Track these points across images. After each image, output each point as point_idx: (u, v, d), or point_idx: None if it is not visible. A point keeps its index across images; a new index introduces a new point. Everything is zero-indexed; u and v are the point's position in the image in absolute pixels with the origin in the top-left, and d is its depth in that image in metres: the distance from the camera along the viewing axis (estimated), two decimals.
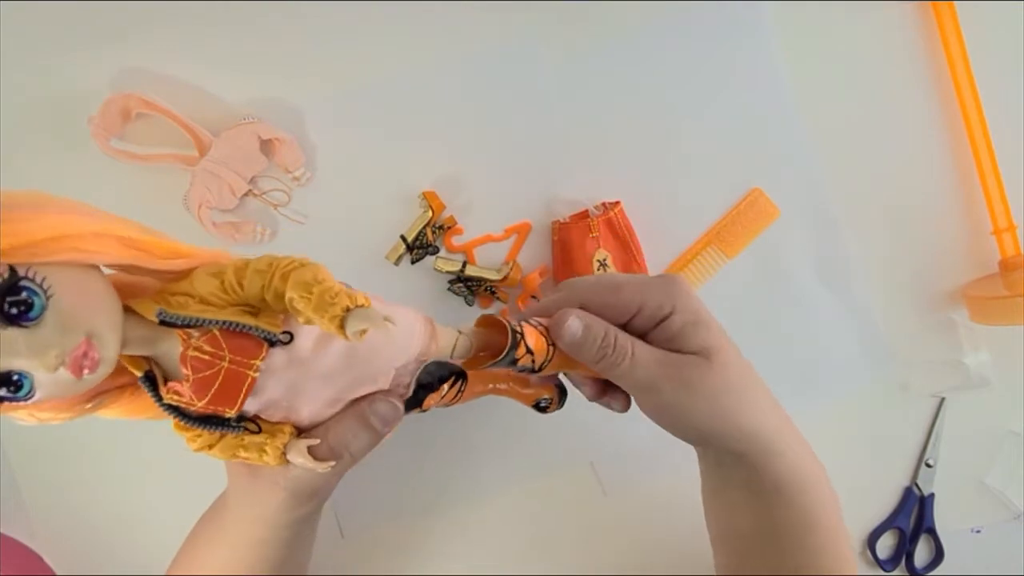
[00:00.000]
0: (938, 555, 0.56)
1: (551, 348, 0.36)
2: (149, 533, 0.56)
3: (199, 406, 0.29)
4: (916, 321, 0.54)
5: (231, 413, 0.30)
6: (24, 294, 0.23)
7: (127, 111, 0.50)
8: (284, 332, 0.30)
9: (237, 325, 0.29)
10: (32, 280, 0.24)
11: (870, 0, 0.52)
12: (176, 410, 0.30)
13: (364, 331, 0.28)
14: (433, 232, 0.52)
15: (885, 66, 0.53)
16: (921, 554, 0.57)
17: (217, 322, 0.28)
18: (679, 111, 0.53)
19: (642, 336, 0.37)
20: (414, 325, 0.34)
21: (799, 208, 0.53)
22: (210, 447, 0.32)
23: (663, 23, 0.52)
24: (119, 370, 0.29)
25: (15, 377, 0.24)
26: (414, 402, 0.37)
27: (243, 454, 0.32)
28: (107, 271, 0.28)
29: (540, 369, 0.36)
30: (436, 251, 0.53)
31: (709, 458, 0.41)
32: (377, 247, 0.53)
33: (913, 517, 0.56)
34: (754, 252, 0.53)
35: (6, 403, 0.25)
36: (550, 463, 0.54)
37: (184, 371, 0.29)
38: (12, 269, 0.23)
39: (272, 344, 0.30)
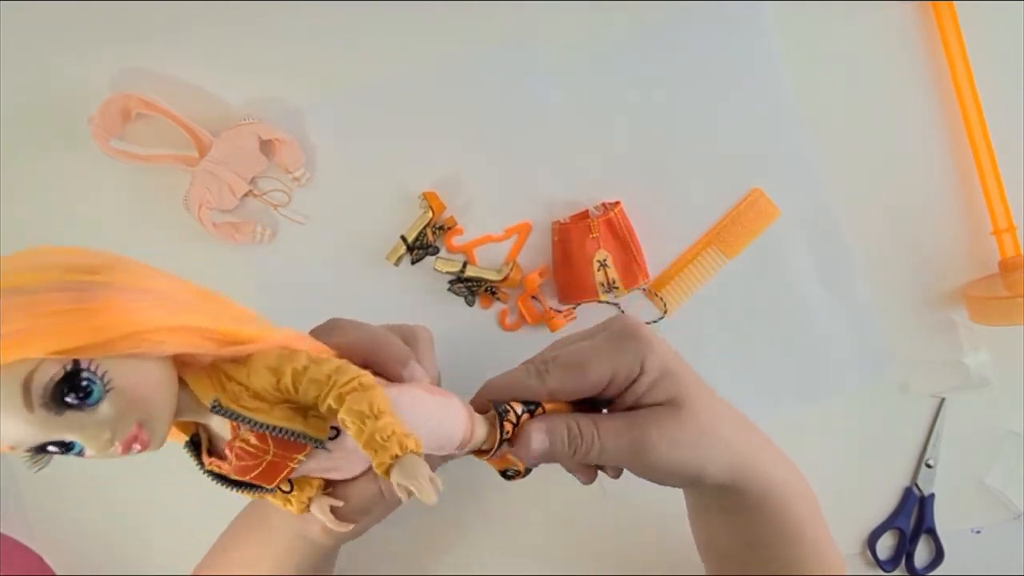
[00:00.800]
0: (938, 555, 0.56)
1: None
2: (149, 533, 0.56)
3: (238, 481, 0.31)
4: (916, 321, 0.54)
5: (268, 488, 0.31)
6: (84, 384, 0.24)
7: (127, 111, 0.50)
8: (331, 436, 0.31)
9: (286, 432, 0.29)
10: (93, 373, 0.24)
11: (870, 0, 0.52)
12: (214, 475, 0.31)
13: (410, 487, 0.28)
14: (433, 232, 0.52)
15: (885, 66, 0.53)
16: (921, 554, 0.57)
17: (268, 427, 0.29)
18: (679, 111, 0.53)
19: (612, 398, 0.37)
20: (460, 416, 0.34)
21: (799, 208, 0.53)
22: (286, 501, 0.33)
23: (663, 23, 0.52)
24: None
25: (68, 441, 0.25)
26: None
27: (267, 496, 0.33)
28: None
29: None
30: (436, 251, 0.53)
31: (690, 489, 0.41)
32: (377, 247, 0.53)
33: (913, 517, 0.56)
34: (754, 252, 0.53)
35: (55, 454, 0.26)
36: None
37: (229, 454, 0.30)
38: (76, 363, 0.24)
39: (317, 446, 0.30)
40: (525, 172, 0.53)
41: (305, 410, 0.30)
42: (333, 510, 0.33)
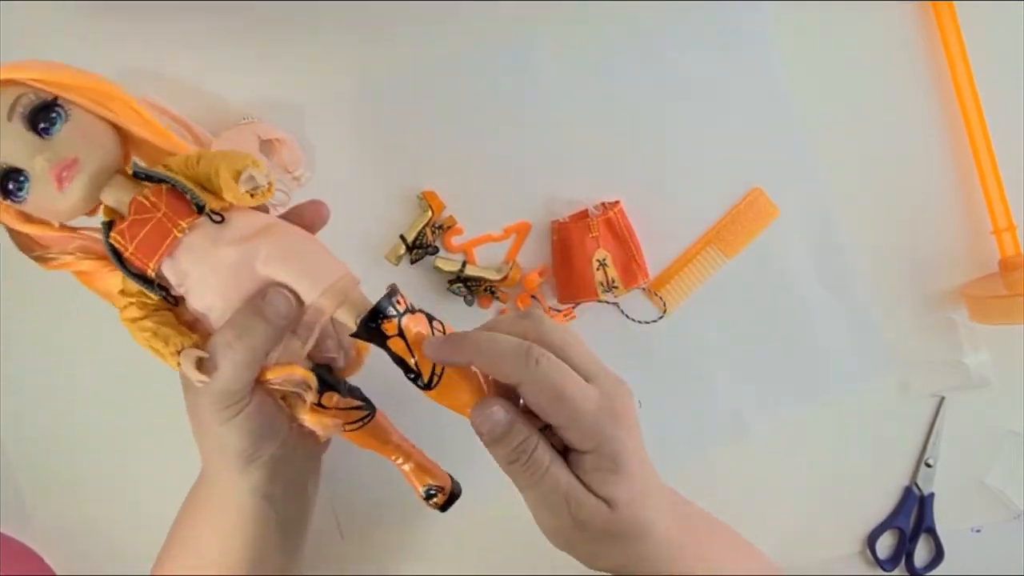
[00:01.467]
0: (938, 555, 0.56)
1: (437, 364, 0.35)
2: (149, 533, 0.56)
3: (130, 250, 0.34)
4: (916, 321, 0.54)
5: (151, 269, 0.34)
6: (52, 114, 0.32)
7: None
8: (215, 212, 0.35)
9: (179, 183, 0.34)
10: (60, 107, 0.33)
11: (870, 0, 0.52)
12: (115, 253, 0.35)
13: (255, 192, 0.34)
14: (433, 232, 0.52)
15: (885, 66, 0.53)
16: (921, 554, 0.57)
17: (168, 179, 0.34)
18: (679, 111, 0.53)
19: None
20: (334, 268, 0.36)
21: (799, 208, 0.53)
22: (133, 320, 0.36)
23: (663, 23, 0.52)
24: (94, 239, 0.37)
25: (21, 178, 0.32)
26: (322, 386, 0.39)
27: (153, 341, 0.36)
28: None
29: (428, 384, 0.35)
30: (436, 251, 0.53)
31: None
32: (377, 247, 0.53)
33: (913, 517, 0.56)
34: (754, 252, 0.53)
35: (11, 199, 0.33)
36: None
37: (128, 213, 0.34)
38: (55, 97, 0.32)
39: (201, 212, 0.34)
40: (525, 171, 0.53)
41: (205, 191, 0.35)
42: (200, 364, 0.35)
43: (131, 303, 0.36)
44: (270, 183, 0.34)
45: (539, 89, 0.52)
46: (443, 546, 0.56)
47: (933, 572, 0.56)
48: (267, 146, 0.51)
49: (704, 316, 0.54)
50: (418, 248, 0.52)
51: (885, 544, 0.57)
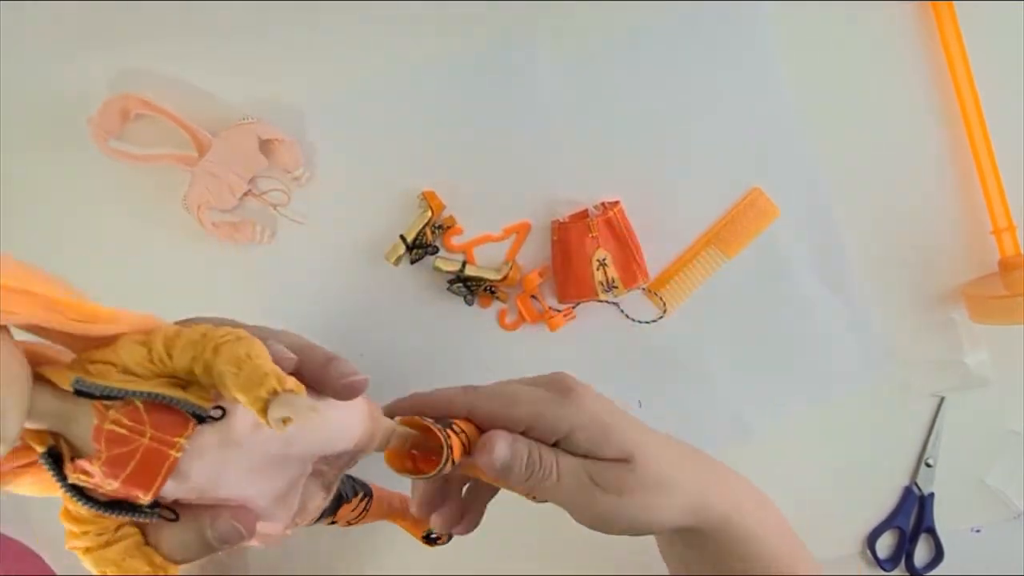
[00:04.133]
0: (938, 555, 0.56)
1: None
2: None
3: (110, 489, 0.26)
4: (916, 321, 0.54)
5: (145, 500, 0.26)
6: None
7: (126, 112, 0.50)
8: (216, 407, 0.27)
9: (162, 397, 0.26)
10: None
11: (870, 0, 0.52)
12: (80, 492, 0.26)
13: (287, 420, 0.25)
14: (432, 232, 0.52)
15: (885, 66, 0.53)
16: (921, 554, 0.57)
17: (140, 393, 0.25)
18: (679, 111, 0.53)
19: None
20: (355, 419, 0.31)
21: (799, 208, 0.53)
22: (87, 551, 0.28)
23: (662, 23, 0.52)
24: (20, 450, 0.27)
25: None
26: (330, 511, 0.37)
27: (128, 563, 0.28)
28: (17, 336, 0.25)
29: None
30: (435, 251, 0.53)
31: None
32: (376, 247, 0.53)
33: (913, 517, 0.56)
34: (754, 252, 0.53)
35: None
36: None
37: (97, 447, 0.25)
38: None
39: (201, 421, 0.27)
40: (524, 171, 0.53)
41: (186, 386, 0.27)
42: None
43: (85, 531, 0.28)
44: (313, 406, 0.26)
45: (539, 89, 0.52)
46: (443, 546, 0.56)
47: (933, 572, 0.56)
48: (267, 146, 0.51)
49: (704, 316, 0.54)
50: (418, 248, 0.52)
51: (885, 544, 0.57)
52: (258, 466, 0.28)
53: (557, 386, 0.37)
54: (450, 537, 0.43)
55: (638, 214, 0.52)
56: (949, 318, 0.54)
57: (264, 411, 0.25)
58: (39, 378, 0.25)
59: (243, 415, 0.27)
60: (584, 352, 0.54)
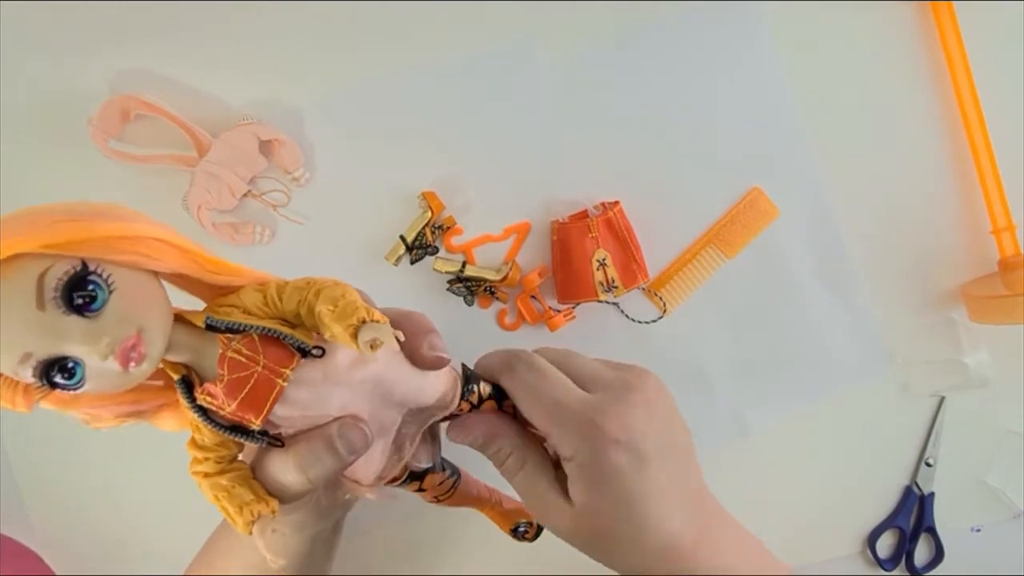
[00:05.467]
0: (938, 554, 0.56)
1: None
2: (149, 533, 0.56)
3: (229, 410, 0.30)
4: (915, 321, 0.54)
5: (256, 423, 0.31)
6: (90, 287, 0.26)
7: (126, 112, 0.50)
8: (316, 347, 0.31)
9: (274, 332, 0.31)
10: (99, 275, 0.26)
11: (870, 0, 0.52)
12: (205, 413, 0.31)
13: (375, 343, 0.29)
14: (432, 232, 0.52)
15: (885, 66, 0.53)
16: (921, 553, 0.57)
17: (257, 328, 0.31)
18: (678, 111, 0.53)
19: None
20: (441, 376, 0.35)
21: (799, 208, 0.53)
22: (206, 476, 0.33)
23: (662, 23, 0.52)
24: (157, 390, 0.32)
25: (70, 364, 0.27)
26: (419, 476, 0.39)
27: (226, 501, 0.33)
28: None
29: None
30: (435, 251, 0.53)
31: None
32: (376, 248, 0.53)
33: (913, 516, 0.56)
34: (753, 252, 0.53)
35: (59, 391, 0.27)
36: None
37: (220, 372, 0.30)
38: (84, 263, 0.26)
39: (304, 355, 0.31)
40: (524, 172, 0.53)
41: (293, 326, 0.32)
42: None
43: (207, 457, 0.33)
44: (397, 335, 0.31)
45: (539, 89, 0.52)
46: (444, 546, 0.56)
47: (933, 572, 0.56)
48: (266, 147, 0.51)
49: (704, 316, 0.54)
50: (418, 248, 0.52)
51: (885, 544, 0.57)
52: (356, 399, 0.33)
53: (582, 422, 0.35)
54: (538, 533, 0.44)
55: (638, 214, 0.52)
56: (949, 318, 0.54)
57: (355, 336, 0.29)
58: (178, 318, 0.30)
59: (342, 355, 0.32)
60: (584, 352, 0.54)
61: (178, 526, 0.54)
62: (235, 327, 0.31)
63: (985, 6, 0.51)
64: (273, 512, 0.33)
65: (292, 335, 0.31)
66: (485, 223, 0.53)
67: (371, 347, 0.29)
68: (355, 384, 0.33)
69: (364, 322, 0.30)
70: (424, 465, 0.39)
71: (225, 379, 0.30)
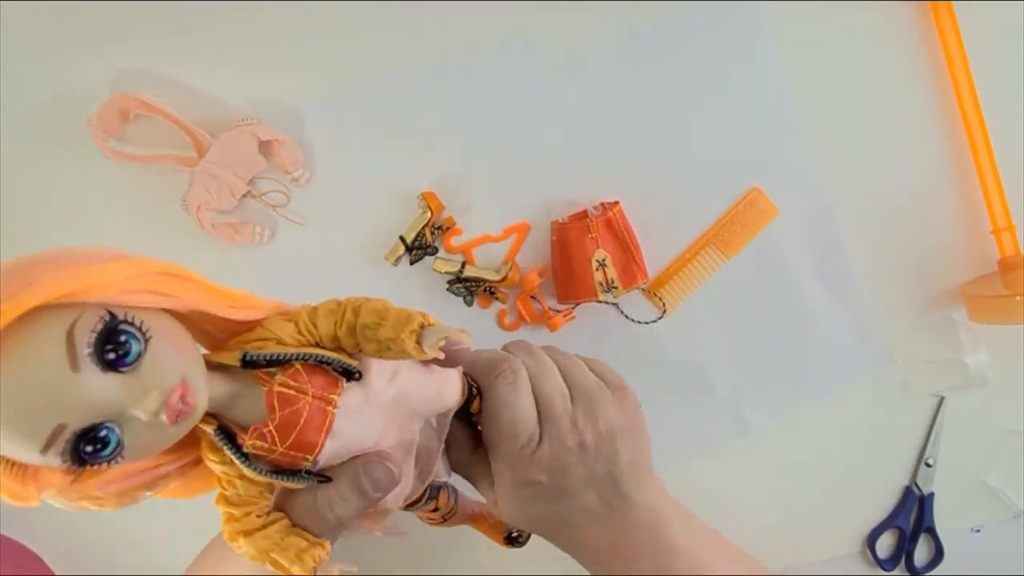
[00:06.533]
0: (938, 554, 0.56)
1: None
2: (149, 533, 0.56)
3: (280, 450, 0.28)
4: (915, 320, 0.54)
5: (309, 461, 0.29)
6: (123, 338, 0.23)
7: (125, 112, 0.50)
8: (358, 371, 0.31)
9: (318, 357, 0.29)
10: (131, 324, 0.23)
11: (869, 0, 0.52)
12: (248, 461, 0.29)
13: (440, 342, 0.29)
14: (432, 233, 0.52)
15: (884, 66, 0.53)
16: (921, 553, 0.57)
17: (300, 355, 0.29)
18: (678, 111, 0.53)
19: None
20: (455, 378, 0.36)
21: (798, 208, 0.53)
22: (246, 534, 0.30)
23: (662, 22, 0.52)
24: (180, 448, 0.29)
25: (103, 433, 0.23)
26: (433, 495, 0.40)
27: (276, 555, 0.30)
28: None
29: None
30: (435, 252, 0.53)
31: None
32: (376, 248, 0.53)
33: (913, 516, 0.56)
34: (753, 252, 0.53)
35: (90, 466, 0.24)
36: None
37: (269, 411, 0.28)
38: (112, 314, 0.23)
39: (348, 378, 0.30)
40: (524, 172, 0.53)
41: (330, 351, 0.30)
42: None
43: (246, 513, 0.30)
44: (461, 330, 0.30)
45: (539, 89, 0.52)
46: (444, 546, 0.56)
47: (933, 572, 0.56)
48: (266, 147, 0.51)
49: (704, 316, 0.54)
50: (417, 249, 0.52)
51: (885, 544, 0.57)
52: (389, 422, 0.32)
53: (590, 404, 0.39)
54: (528, 537, 0.44)
55: (638, 214, 0.52)
56: (949, 318, 0.54)
57: (419, 341, 0.29)
58: (207, 364, 0.27)
59: (377, 372, 0.31)
60: (584, 353, 0.54)
61: (178, 526, 0.54)
62: (276, 358, 0.28)
63: (985, 6, 0.51)
64: (328, 554, 0.31)
65: (338, 358, 0.29)
66: (485, 223, 0.53)
67: (436, 348, 0.29)
68: (390, 402, 0.32)
69: (423, 326, 0.29)
70: (443, 479, 0.39)
71: (277, 417, 0.28)
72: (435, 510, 0.40)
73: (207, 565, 0.44)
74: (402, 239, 0.52)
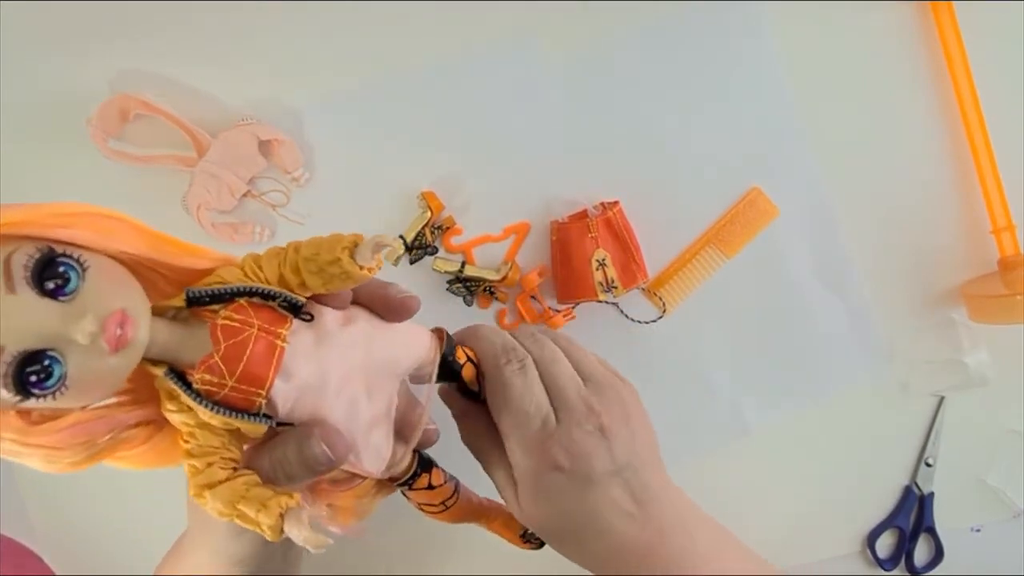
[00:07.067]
0: (938, 554, 0.56)
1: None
2: (149, 533, 0.56)
3: (231, 384, 0.28)
4: (915, 320, 0.54)
5: (261, 397, 0.29)
6: (61, 268, 0.24)
7: (125, 112, 0.50)
8: (306, 313, 0.31)
9: (263, 290, 0.30)
10: (69, 256, 0.25)
11: (869, 0, 0.52)
12: (203, 400, 0.29)
13: (375, 254, 0.30)
14: (432, 232, 0.52)
15: (884, 66, 0.53)
16: (921, 553, 0.57)
17: (243, 288, 0.29)
18: (678, 111, 0.53)
19: None
20: (423, 335, 0.36)
21: (798, 208, 0.53)
22: (217, 484, 0.29)
23: (662, 22, 0.52)
24: (138, 400, 0.31)
25: (46, 362, 0.24)
26: (424, 467, 0.39)
27: (242, 506, 0.29)
28: None
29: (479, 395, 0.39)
30: (435, 251, 0.53)
31: None
32: None
33: (913, 516, 0.56)
34: (753, 252, 0.53)
35: (34, 400, 0.25)
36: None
37: (214, 343, 0.28)
38: (51, 248, 0.25)
39: (296, 313, 0.31)
40: (524, 172, 0.53)
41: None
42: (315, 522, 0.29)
43: (209, 463, 0.29)
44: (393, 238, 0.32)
45: (539, 89, 0.52)
46: (444, 546, 0.56)
47: (933, 572, 0.56)
48: (265, 147, 0.51)
49: (704, 316, 0.54)
50: (417, 248, 0.52)
51: (885, 544, 0.57)
52: (351, 374, 0.32)
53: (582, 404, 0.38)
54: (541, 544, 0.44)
55: (638, 214, 0.52)
56: (949, 318, 0.54)
57: (352, 256, 0.29)
58: (153, 310, 0.28)
59: (329, 317, 0.32)
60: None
61: (178, 526, 0.54)
62: (219, 292, 0.29)
63: (985, 6, 0.51)
64: (297, 504, 0.29)
65: (282, 291, 0.30)
66: (485, 223, 0.53)
67: (374, 260, 0.30)
68: (346, 347, 0.32)
69: (355, 244, 0.30)
70: (429, 447, 0.39)
71: (222, 348, 0.28)
72: (429, 487, 0.39)
73: (167, 565, 0.44)
74: (402, 238, 0.52)
